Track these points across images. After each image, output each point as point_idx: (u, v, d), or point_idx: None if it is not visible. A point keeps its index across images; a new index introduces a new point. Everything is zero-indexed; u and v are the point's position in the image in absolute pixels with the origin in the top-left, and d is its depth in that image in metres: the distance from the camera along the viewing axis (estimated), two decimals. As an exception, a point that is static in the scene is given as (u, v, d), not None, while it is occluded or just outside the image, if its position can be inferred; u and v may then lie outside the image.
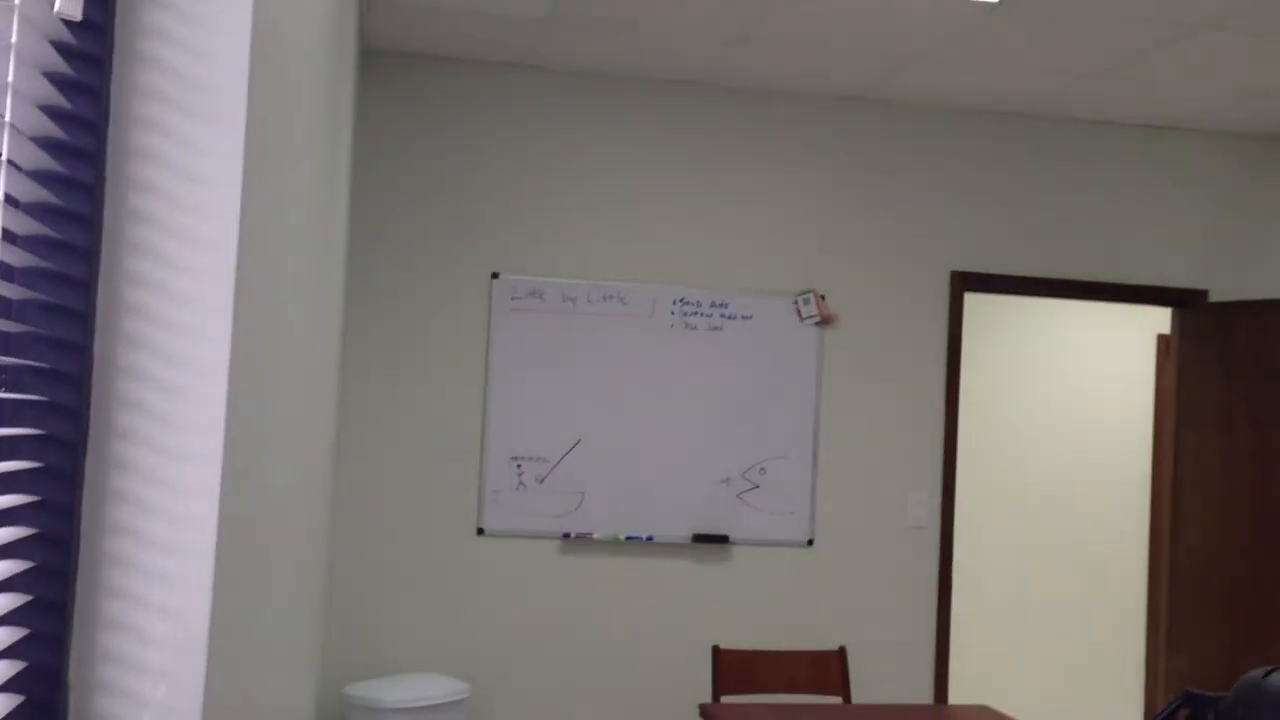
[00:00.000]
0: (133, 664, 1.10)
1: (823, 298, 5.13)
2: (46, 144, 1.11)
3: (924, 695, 5.15)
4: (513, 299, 4.90)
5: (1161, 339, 7.31)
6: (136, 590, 1.11)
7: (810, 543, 5.07)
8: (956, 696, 7.04)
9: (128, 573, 1.11)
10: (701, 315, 5.03)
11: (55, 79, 1.11)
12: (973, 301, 7.21)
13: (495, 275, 4.90)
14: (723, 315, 5.05)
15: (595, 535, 4.92)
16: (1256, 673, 1.96)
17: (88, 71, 1.13)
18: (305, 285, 2.27)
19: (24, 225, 1.06)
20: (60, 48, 1.11)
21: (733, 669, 4.21)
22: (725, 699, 4.51)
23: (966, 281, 5.25)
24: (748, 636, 5.03)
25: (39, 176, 1.11)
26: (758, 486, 5.03)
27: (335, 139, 3.20)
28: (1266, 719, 1.91)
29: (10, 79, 1.01)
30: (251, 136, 1.22)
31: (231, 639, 1.33)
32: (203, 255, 1.15)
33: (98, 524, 1.11)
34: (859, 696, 5.08)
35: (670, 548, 4.99)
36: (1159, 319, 7.37)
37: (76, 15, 1.09)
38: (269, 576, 1.82)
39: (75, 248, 1.12)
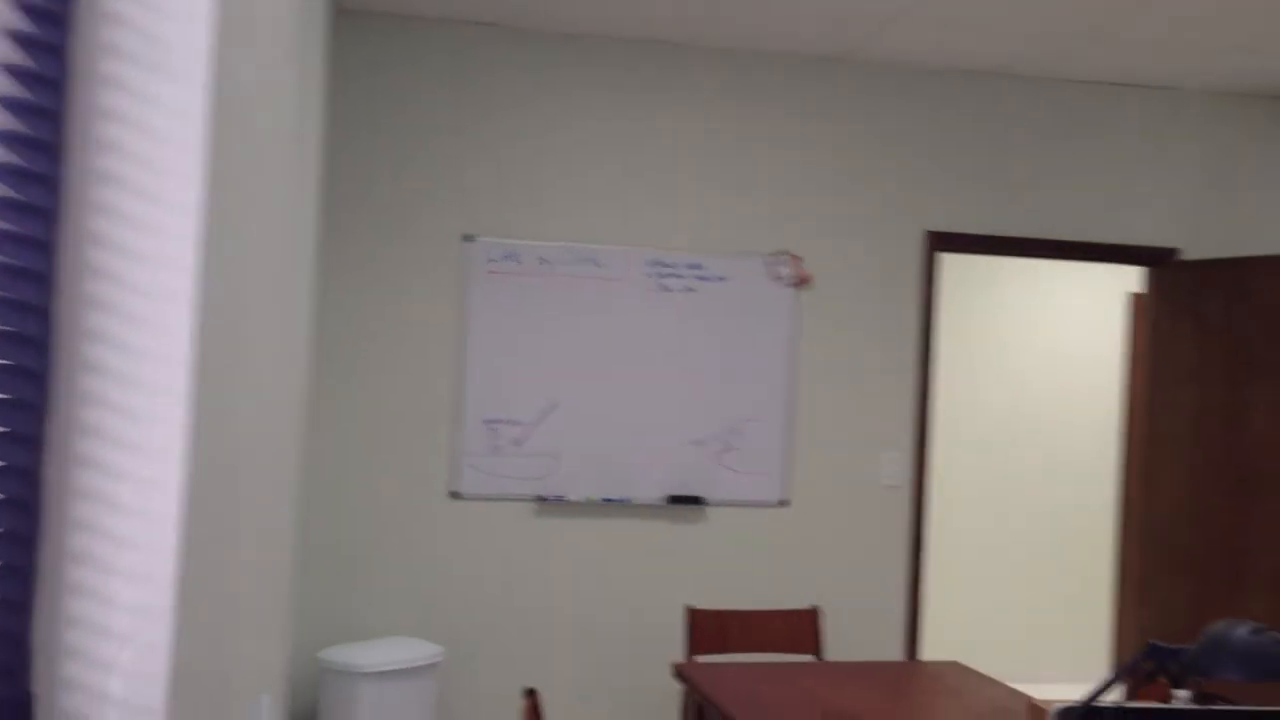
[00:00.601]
0: (98, 628, 1.09)
1: (798, 259, 5.13)
2: (7, 103, 1.09)
3: (896, 653, 5.20)
4: (488, 261, 4.88)
5: (1134, 297, 7.36)
6: (101, 554, 1.10)
7: (784, 503, 5.10)
8: (928, 653, 7.12)
9: (92, 537, 1.10)
10: (676, 277, 5.03)
11: (17, 36, 1.09)
12: (947, 261, 7.23)
13: (469, 238, 4.88)
14: (698, 277, 5.05)
15: (570, 498, 4.93)
16: (1221, 626, 1.98)
17: (50, 29, 1.11)
18: (273, 247, 2.25)
19: (-18, 186, 1.05)
20: (23, 5, 1.09)
21: (706, 629, 4.24)
22: (699, 658, 4.54)
23: (940, 241, 5.26)
24: (722, 597, 5.06)
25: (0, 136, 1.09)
26: (733, 448, 5.05)
27: (304, 98, 3.17)
28: (1230, 671, 1.94)
29: (-35, 36, 0.99)
30: (215, 93, 1.21)
31: (198, 603, 1.32)
32: (167, 215, 1.14)
33: (62, 488, 1.10)
34: (832, 655, 5.13)
35: (645, 509, 5.01)
36: (1131, 278, 7.42)
37: (33, -29, 1.07)
38: (236, 540, 1.81)
39: (37, 209, 1.10)
